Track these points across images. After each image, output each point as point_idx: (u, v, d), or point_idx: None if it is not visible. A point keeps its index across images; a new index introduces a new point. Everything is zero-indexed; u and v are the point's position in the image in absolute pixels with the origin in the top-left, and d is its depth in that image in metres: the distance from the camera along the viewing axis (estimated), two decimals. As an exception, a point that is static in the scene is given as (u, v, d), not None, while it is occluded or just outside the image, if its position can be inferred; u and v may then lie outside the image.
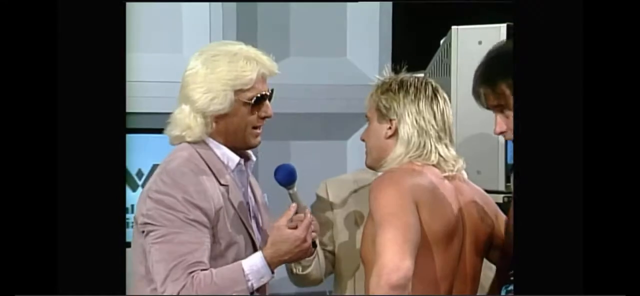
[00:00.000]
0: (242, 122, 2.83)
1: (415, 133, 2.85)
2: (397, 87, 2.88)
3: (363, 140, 3.07)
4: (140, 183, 3.87)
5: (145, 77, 3.85)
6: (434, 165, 2.80)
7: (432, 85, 2.89)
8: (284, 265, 3.11)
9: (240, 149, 2.88)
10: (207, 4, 4.09)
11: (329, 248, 3.26)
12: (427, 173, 2.77)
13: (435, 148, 2.82)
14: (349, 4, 4.42)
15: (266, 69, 2.85)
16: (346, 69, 4.37)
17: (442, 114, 2.86)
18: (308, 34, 4.34)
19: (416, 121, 2.84)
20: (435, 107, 2.86)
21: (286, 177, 2.91)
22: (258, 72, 2.82)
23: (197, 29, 4.01)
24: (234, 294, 2.70)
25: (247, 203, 2.89)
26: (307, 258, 3.04)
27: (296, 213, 2.94)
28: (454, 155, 2.85)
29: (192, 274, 2.67)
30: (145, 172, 3.93)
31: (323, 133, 4.31)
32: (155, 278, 2.71)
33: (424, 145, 2.84)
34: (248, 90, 2.82)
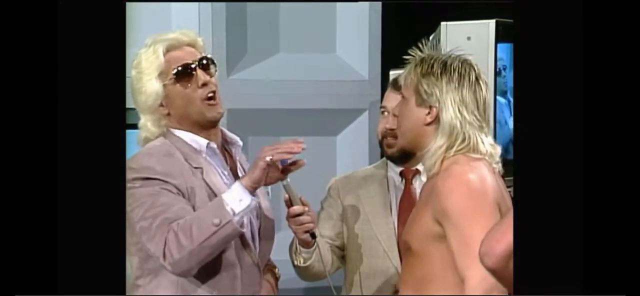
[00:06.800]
0: (185, 101, 2.82)
1: (458, 124, 2.61)
2: (440, 71, 2.64)
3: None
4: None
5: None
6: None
7: (475, 70, 2.66)
8: (289, 264, 3.12)
9: (205, 127, 2.85)
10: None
11: (337, 243, 3.27)
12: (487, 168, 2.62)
13: (479, 139, 2.62)
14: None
15: (174, 40, 2.85)
16: (336, 66, 4.38)
17: (484, 102, 2.65)
18: (297, 30, 4.35)
19: (459, 110, 2.61)
20: (478, 95, 2.63)
21: None
22: (164, 48, 2.82)
23: (186, 27, 3.98)
24: (217, 222, 2.64)
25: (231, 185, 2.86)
26: (307, 250, 3.05)
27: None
28: (498, 148, 2.67)
29: (173, 224, 2.66)
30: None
31: (313, 129, 4.30)
32: (156, 254, 2.68)
33: (469, 137, 2.62)
34: (165, 70, 2.81)
